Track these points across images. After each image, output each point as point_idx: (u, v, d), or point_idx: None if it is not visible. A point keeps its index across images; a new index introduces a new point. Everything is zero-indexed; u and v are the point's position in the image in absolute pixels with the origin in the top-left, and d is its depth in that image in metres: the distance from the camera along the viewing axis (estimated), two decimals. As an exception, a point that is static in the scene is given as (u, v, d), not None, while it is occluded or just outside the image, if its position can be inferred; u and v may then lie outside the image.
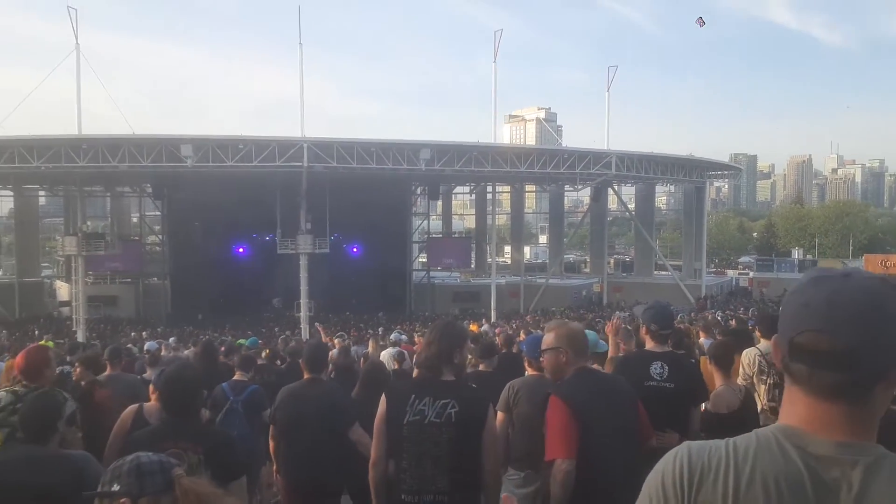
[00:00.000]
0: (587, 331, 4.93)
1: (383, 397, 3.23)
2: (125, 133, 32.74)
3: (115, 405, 4.49)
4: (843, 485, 1.09)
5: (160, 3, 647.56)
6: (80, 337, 30.45)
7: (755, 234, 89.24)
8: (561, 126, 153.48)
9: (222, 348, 9.80)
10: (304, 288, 33.87)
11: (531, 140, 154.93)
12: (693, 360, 5.24)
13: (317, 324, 21.50)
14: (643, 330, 4.12)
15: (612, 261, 52.88)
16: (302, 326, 32.70)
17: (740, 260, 74.34)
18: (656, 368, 3.79)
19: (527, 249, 57.58)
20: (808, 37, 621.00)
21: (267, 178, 33.25)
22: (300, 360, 4.81)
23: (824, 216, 77.38)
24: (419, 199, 47.70)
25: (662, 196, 73.92)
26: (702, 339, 8.07)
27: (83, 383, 5.31)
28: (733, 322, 13.25)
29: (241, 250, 41.88)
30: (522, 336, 11.30)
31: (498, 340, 9.50)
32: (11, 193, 42.14)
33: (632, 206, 48.01)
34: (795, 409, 1.17)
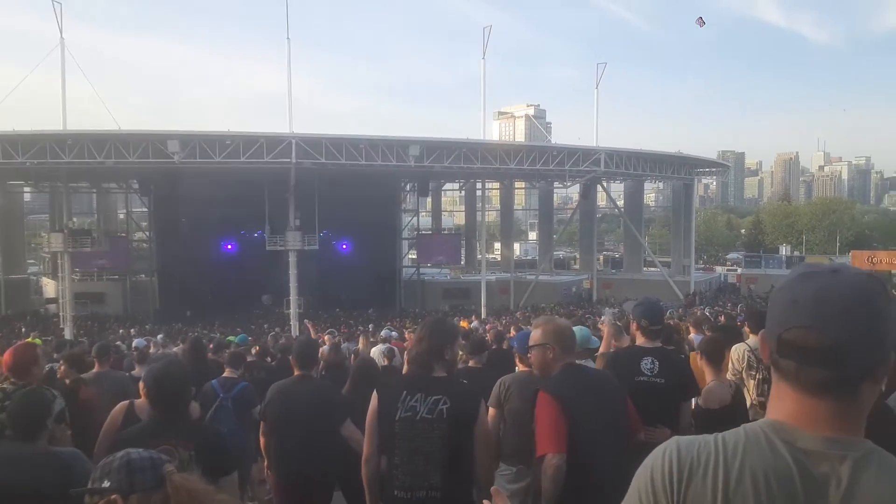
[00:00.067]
0: (580, 327, 4.97)
1: (375, 393, 3.23)
2: (111, 129, 32.48)
3: (104, 403, 4.45)
4: (831, 479, 1.09)
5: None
6: (67, 334, 30.29)
7: (743, 231, 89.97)
8: (550, 123, 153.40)
9: (210, 345, 9.75)
10: (293, 285, 33.78)
11: (520, 137, 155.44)
12: (683, 356, 5.29)
13: (306, 321, 21.44)
14: (633, 326, 4.14)
15: (601, 257, 53.05)
16: (291, 323, 32.65)
17: (728, 256, 74.98)
18: (647, 364, 3.81)
19: (516, 246, 57.65)
20: (795, 35, 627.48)
21: (255, 175, 32.98)
22: (290, 357, 4.80)
23: (811, 213, 78.01)
24: (409, 196, 47.55)
25: (651, 193, 74.19)
26: (691, 335, 8.10)
27: (67, 381, 5.27)
28: (722, 318, 13.29)
29: (229, 247, 41.55)
30: (513, 332, 11.35)
31: (488, 337, 9.53)
32: (-4, 189, 41.71)
33: (621, 202, 48.24)
34: (783, 404, 1.17)
